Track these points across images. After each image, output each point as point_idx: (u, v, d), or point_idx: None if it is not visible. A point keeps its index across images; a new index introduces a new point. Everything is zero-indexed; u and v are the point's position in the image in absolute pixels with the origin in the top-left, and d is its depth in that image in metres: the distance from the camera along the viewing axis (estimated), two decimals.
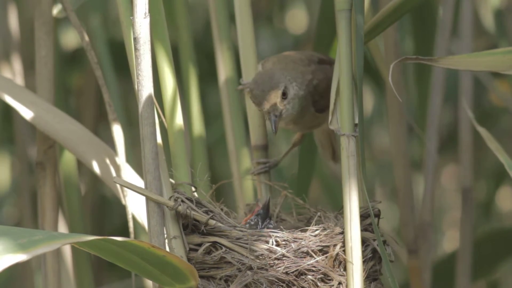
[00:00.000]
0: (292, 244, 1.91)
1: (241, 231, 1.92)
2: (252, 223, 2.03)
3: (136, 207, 2.23)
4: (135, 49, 1.88)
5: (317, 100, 2.07)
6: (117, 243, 1.78)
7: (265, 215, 2.03)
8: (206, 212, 1.93)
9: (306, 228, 1.96)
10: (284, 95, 2.03)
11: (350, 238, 1.90)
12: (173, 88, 1.97)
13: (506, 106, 3.22)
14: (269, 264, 1.90)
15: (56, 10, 2.30)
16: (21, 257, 1.62)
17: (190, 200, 1.92)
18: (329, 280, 1.91)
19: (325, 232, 1.94)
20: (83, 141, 2.24)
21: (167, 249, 1.91)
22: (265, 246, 1.90)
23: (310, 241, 1.92)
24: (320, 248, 1.92)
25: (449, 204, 4.38)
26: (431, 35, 2.84)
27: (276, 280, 1.89)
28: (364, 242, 1.94)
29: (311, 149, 2.58)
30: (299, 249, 1.91)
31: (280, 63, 2.10)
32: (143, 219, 2.21)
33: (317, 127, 2.18)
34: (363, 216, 1.95)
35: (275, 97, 2.02)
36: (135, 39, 1.87)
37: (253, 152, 2.17)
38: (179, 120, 1.97)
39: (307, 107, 2.08)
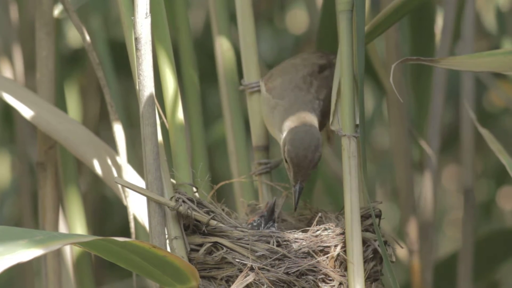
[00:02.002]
0: (293, 244, 1.91)
1: (242, 231, 1.92)
2: (255, 224, 2.03)
3: (137, 207, 2.23)
4: (136, 49, 1.88)
5: (320, 121, 2.06)
6: (118, 243, 1.78)
7: (269, 218, 2.03)
8: (207, 213, 1.93)
9: (307, 228, 1.96)
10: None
11: (351, 239, 1.90)
12: (174, 88, 1.97)
13: (508, 106, 3.22)
14: (270, 264, 1.90)
15: (57, 10, 2.30)
16: (22, 257, 1.62)
17: (191, 201, 1.92)
18: (330, 280, 1.91)
19: (326, 233, 1.94)
20: (84, 142, 2.24)
21: (168, 249, 1.91)
22: (266, 247, 1.90)
23: (311, 241, 1.92)
24: (321, 248, 1.92)
25: (451, 205, 4.38)
26: (429, 36, 2.84)
27: (277, 281, 1.89)
28: (365, 242, 1.94)
29: None
30: (300, 249, 1.91)
31: (286, 90, 2.06)
32: (144, 219, 2.21)
33: None
34: (364, 217, 1.95)
35: (316, 164, 1.97)
36: (136, 39, 1.87)
37: (254, 152, 2.17)
38: (180, 120, 1.97)
39: None
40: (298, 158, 1.96)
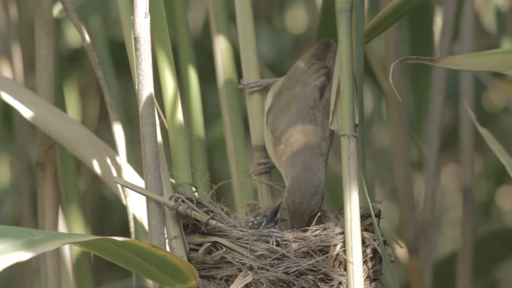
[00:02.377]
0: (292, 244, 1.91)
1: (242, 231, 1.92)
2: (256, 222, 2.03)
3: (136, 207, 2.23)
4: (136, 48, 1.88)
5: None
6: (118, 243, 1.78)
7: (271, 219, 2.03)
8: (207, 212, 1.93)
9: (307, 228, 1.96)
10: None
11: (351, 238, 1.90)
12: (174, 87, 1.97)
13: (507, 106, 3.22)
14: (270, 264, 1.90)
15: (56, 10, 2.30)
16: (21, 256, 1.62)
17: (191, 200, 1.92)
18: (330, 280, 1.91)
19: (325, 232, 1.94)
20: (84, 141, 2.24)
21: (168, 249, 1.91)
22: (265, 246, 1.90)
23: (310, 241, 1.92)
24: (321, 248, 1.92)
25: (450, 204, 4.38)
26: (429, 36, 2.84)
27: (277, 280, 1.89)
28: (365, 242, 1.94)
29: None
30: (300, 249, 1.91)
31: (289, 126, 2.04)
32: (143, 219, 2.21)
33: None
34: (364, 216, 1.95)
35: (312, 211, 1.97)
36: (135, 38, 1.87)
37: (254, 152, 2.17)
38: (179, 119, 1.97)
39: None
40: (294, 205, 1.97)
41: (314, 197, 1.97)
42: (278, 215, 2.05)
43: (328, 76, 2.08)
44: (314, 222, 1.97)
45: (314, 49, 2.16)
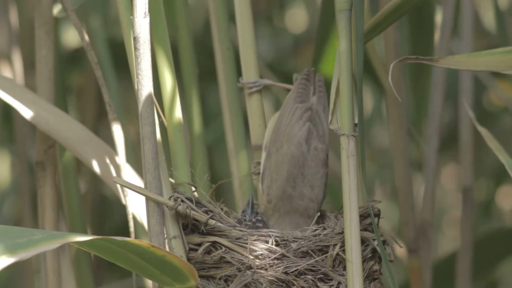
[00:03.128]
0: (292, 244, 1.91)
1: (241, 231, 1.92)
2: (236, 220, 2.03)
3: (136, 206, 2.23)
4: (135, 48, 1.88)
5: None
6: (117, 243, 1.78)
7: (251, 211, 2.03)
8: (206, 212, 1.93)
9: (306, 228, 1.96)
10: None
11: (350, 238, 1.90)
12: (173, 87, 1.97)
13: (506, 105, 3.22)
14: (269, 264, 1.90)
15: (56, 10, 2.30)
16: (20, 256, 1.62)
17: (190, 200, 1.92)
18: (329, 280, 1.91)
19: (324, 232, 1.94)
20: (84, 141, 2.24)
21: (167, 249, 1.91)
22: (264, 246, 1.90)
23: (310, 241, 1.92)
24: (320, 248, 1.92)
25: (450, 204, 4.38)
26: (429, 35, 2.84)
27: (276, 280, 1.89)
28: (364, 242, 1.94)
29: None
30: (299, 248, 1.91)
31: (280, 208, 2.04)
32: (143, 218, 2.21)
33: None
34: (363, 216, 1.95)
35: None
36: (135, 38, 1.87)
37: (254, 152, 2.17)
38: (178, 119, 1.97)
39: None
40: None
41: None
42: (255, 207, 2.05)
43: (313, 120, 2.05)
44: (313, 222, 1.97)
45: (297, 86, 2.13)
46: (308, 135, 2.04)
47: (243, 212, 2.05)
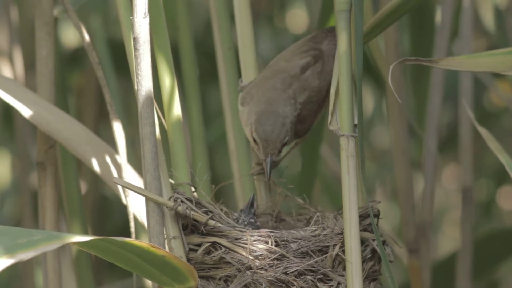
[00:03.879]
0: (291, 244, 1.92)
1: (241, 231, 1.92)
2: (234, 218, 2.03)
3: (137, 207, 2.23)
4: (135, 49, 1.88)
5: (298, 128, 2.07)
6: (117, 243, 1.78)
7: (249, 211, 2.03)
8: (206, 212, 1.93)
9: (306, 228, 1.96)
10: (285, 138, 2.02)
11: (350, 238, 1.90)
12: (172, 87, 1.97)
13: (506, 105, 3.22)
14: (269, 264, 1.90)
15: (56, 10, 2.31)
16: (20, 257, 1.62)
17: (190, 200, 1.92)
18: (329, 280, 1.91)
19: (324, 232, 1.94)
20: (84, 141, 2.25)
21: (167, 249, 1.91)
22: (264, 246, 1.91)
23: (309, 241, 1.92)
24: (320, 248, 1.92)
25: (450, 204, 4.38)
26: (429, 35, 2.84)
27: (276, 280, 1.89)
28: (364, 242, 1.94)
29: (314, 150, 2.58)
30: (299, 249, 1.91)
31: (258, 101, 2.06)
32: (144, 219, 2.21)
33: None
34: (363, 216, 1.95)
35: (283, 139, 2.01)
36: (134, 39, 1.88)
37: (253, 152, 2.17)
38: (178, 119, 1.97)
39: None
40: (265, 133, 2.00)
41: (282, 127, 2.00)
42: (255, 207, 2.05)
43: (317, 57, 2.07)
44: (313, 222, 1.97)
45: (315, 33, 2.17)
46: (305, 65, 2.07)
47: (241, 210, 2.05)
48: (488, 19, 3.47)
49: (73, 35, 3.53)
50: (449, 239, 4.33)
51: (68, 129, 2.24)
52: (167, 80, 1.97)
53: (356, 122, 1.94)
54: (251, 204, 2.05)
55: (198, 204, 1.93)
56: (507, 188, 3.94)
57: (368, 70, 3.00)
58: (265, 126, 2.00)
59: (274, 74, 2.09)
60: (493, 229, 3.31)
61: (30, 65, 2.94)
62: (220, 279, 1.91)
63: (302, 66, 2.08)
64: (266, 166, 2.01)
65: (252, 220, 2.02)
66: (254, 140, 2.01)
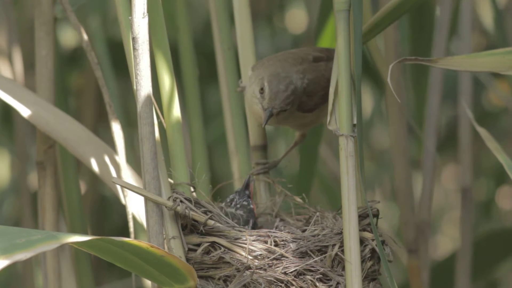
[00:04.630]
0: (290, 244, 1.92)
1: (240, 231, 1.92)
2: (228, 200, 2.02)
3: (136, 207, 2.23)
4: (134, 49, 1.88)
5: (304, 101, 2.07)
6: (116, 243, 1.78)
7: (243, 193, 2.03)
8: (205, 212, 1.93)
9: (305, 228, 1.96)
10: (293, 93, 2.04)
11: (349, 238, 1.90)
12: (171, 87, 1.97)
13: (506, 106, 3.22)
14: (268, 264, 1.90)
15: (56, 10, 2.31)
16: (19, 256, 1.62)
17: (189, 200, 1.92)
18: (328, 280, 1.91)
19: (323, 232, 1.94)
20: (83, 141, 2.24)
21: (166, 249, 1.91)
22: (263, 246, 1.90)
23: (308, 241, 1.92)
24: (319, 248, 1.92)
25: (449, 204, 4.38)
26: (429, 35, 2.84)
27: (275, 280, 1.89)
28: (363, 242, 1.94)
29: (312, 150, 2.58)
30: (298, 249, 1.91)
31: (270, 65, 2.09)
32: (143, 219, 2.21)
33: (310, 126, 2.17)
34: (362, 216, 1.95)
35: (290, 101, 2.02)
36: (133, 39, 1.88)
37: (252, 152, 2.17)
38: (177, 119, 1.97)
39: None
40: (277, 88, 2.02)
41: (292, 92, 2.03)
42: (250, 189, 2.05)
43: (330, 57, 2.09)
44: (312, 222, 1.97)
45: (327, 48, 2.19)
46: (317, 58, 2.09)
47: (236, 192, 2.04)
48: (487, 18, 3.47)
49: (72, 35, 3.53)
50: (448, 239, 4.33)
51: (67, 129, 2.24)
52: (166, 80, 1.97)
53: (355, 122, 1.94)
54: (246, 186, 2.04)
55: (197, 204, 1.93)
56: (506, 188, 3.94)
57: (367, 70, 3.00)
58: (279, 83, 2.02)
59: (286, 53, 2.12)
60: (493, 229, 3.31)
61: (29, 65, 2.94)
62: (219, 279, 1.91)
63: (315, 57, 2.10)
64: (265, 114, 2.02)
65: (245, 203, 2.01)
66: (261, 90, 2.03)
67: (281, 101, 2.02)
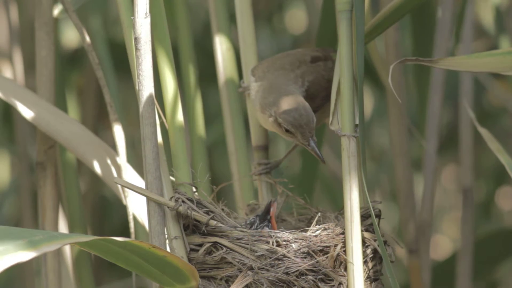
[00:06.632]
0: (292, 244, 1.92)
1: (242, 231, 1.92)
2: (248, 222, 2.03)
3: (137, 207, 2.23)
4: (136, 49, 1.88)
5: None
6: (118, 243, 1.78)
7: (264, 218, 2.03)
8: (207, 213, 1.93)
9: (307, 228, 1.96)
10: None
11: (351, 239, 1.90)
12: (174, 88, 1.97)
13: (506, 106, 3.22)
14: (270, 264, 1.90)
15: (56, 10, 2.30)
16: (21, 257, 1.62)
17: (191, 201, 1.92)
18: (330, 280, 1.91)
19: (325, 233, 1.94)
20: (84, 141, 2.24)
21: (168, 249, 1.91)
22: (265, 247, 1.90)
23: (310, 241, 1.92)
24: (321, 248, 1.92)
25: (450, 204, 4.38)
26: (430, 35, 2.84)
27: (277, 281, 1.89)
28: (365, 242, 1.94)
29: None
30: (300, 249, 1.91)
31: (269, 71, 2.08)
32: (143, 219, 2.21)
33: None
34: (364, 217, 1.95)
35: (313, 116, 2.00)
36: (135, 39, 1.88)
37: (254, 153, 2.17)
38: (179, 120, 1.97)
39: None
40: (296, 121, 1.99)
41: (304, 105, 2.00)
42: (272, 213, 2.05)
43: (328, 57, 2.08)
44: (314, 222, 1.97)
45: (323, 48, 2.19)
46: (315, 57, 2.09)
47: (257, 216, 2.04)
48: (488, 20, 3.47)
49: (73, 35, 3.52)
50: (449, 239, 4.33)
51: (68, 130, 2.24)
52: (168, 80, 1.97)
53: (357, 122, 1.94)
54: (267, 211, 2.04)
55: (199, 204, 1.93)
56: (507, 189, 3.94)
57: (368, 71, 3.00)
58: (292, 113, 1.99)
59: (285, 55, 2.11)
60: (493, 229, 3.31)
61: (30, 65, 2.93)
62: (221, 279, 1.91)
63: (313, 57, 2.09)
64: (314, 150, 2.00)
65: (266, 229, 2.01)
66: (286, 130, 2.00)
67: (308, 126, 1.99)
